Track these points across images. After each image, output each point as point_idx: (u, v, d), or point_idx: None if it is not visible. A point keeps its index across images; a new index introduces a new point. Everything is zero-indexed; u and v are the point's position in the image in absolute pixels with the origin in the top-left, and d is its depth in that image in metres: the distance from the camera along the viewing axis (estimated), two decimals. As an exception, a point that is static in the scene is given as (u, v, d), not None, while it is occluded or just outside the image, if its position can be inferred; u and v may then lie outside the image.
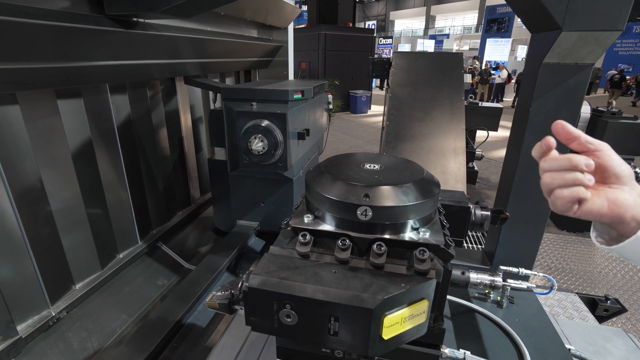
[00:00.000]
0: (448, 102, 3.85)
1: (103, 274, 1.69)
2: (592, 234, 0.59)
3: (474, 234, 2.27)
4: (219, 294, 0.65)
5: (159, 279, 1.94)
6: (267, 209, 2.09)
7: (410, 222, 0.61)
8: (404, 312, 0.54)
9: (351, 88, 11.01)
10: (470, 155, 4.86)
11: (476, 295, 1.11)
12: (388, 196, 0.59)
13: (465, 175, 3.31)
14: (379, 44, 25.54)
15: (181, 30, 1.81)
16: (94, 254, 1.65)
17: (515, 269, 1.13)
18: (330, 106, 2.58)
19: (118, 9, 1.28)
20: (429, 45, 23.93)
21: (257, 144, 1.64)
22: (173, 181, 2.21)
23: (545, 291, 1.03)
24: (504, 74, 14.11)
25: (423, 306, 0.56)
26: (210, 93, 2.54)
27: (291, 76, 3.29)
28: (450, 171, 3.39)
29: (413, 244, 0.58)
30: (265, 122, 1.64)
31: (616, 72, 15.84)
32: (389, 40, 27.77)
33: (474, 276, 0.67)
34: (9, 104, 1.21)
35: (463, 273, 0.68)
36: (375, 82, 17.06)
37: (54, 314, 1.44)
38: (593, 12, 0.97)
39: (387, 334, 0.53)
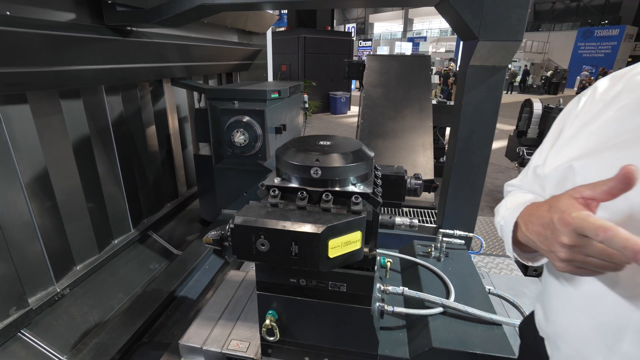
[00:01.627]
0: (417, 101, 4.15)
1: (100, 257, 1.86)
2: (512, 253, 0.66)
3: (432, 213, 2.55)
4: (213, 232, 0.88)
5: (151, 263, 2.13)
6: (250, 198, 2.30)
7: (350, 179, 0.86)
8: (343, 238, 0.78)
9: (331, 89, 11.31)
10: (441, 151, 5.20)
11: (421, 253, 1.37)
12: (332, 160, 0.84)
13: (432, 168, 3.61)
14: (359, 46, 26.04)
15: (169, 37, 2.02)
16: (92, 239, 1.83)
17: (451, 231, 1.40)
18: (306, 105, 2.82)
19: (116, 20, 1.48)
20: (406, 48, 24.60)
21: (239, 137, 1.86)
22: (161, 175, 2.40)
23: (476, 250, 1.30)
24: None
25: (357, 235, 0.80)
26: (195, 93, 2.73)
27: (270, 78, 3.52)
28: (419, 164, 3.69)
29: (351, 194, 0.83)
30: (246, 118, 1.87)
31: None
32: (369, 43, 28.33)
33: (398, 219, 0.93)
34: (20, 103, 1.39)
35: (390, 217, 0.93)
36: (355, 83, 17.44)
37: (58, 290, 1.61)
38: (500, 27, 1.26)
39: (332, 253, 0.78)
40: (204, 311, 1.27)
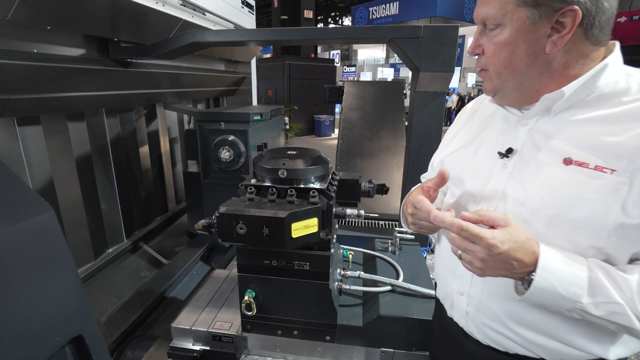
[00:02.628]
0: (392, 123, 4.49)
1: (96, 264, 2.04)
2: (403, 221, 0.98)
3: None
4: (203, 220, 1.11)
5: (142, 271, 2.30)
6: (235, 211, 2.52)
7: (310, 179, 1.11)
8: (302, 222, 1.02)
9: (315, 113, 11.76)
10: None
11: (380, 248, 1.62)
12: (296, 164, 1.10)
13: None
14: (343, 71, 27.08)
15: (162, 67, 2.29)
16: (90, 246, 2.01)
17: (405, 229, 1.65)
18: (287, 126, 3.11)
19: (120, 54, 1.74)
20: (388, 73, 25.69)
21: (225, 154, 2.11)
22: (153, 191, 2.61)
23: (426, 247, 1.55)
24: (454, 99, 15.54)
25: (314, 221, 1.04)
26: (185, 116, 2.99)
27: (255, 102, 3.82)
28: (394, 181, 3.97)
29: (309, 189, 1.08)
30: (231, 137, 2.12)
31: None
32: (353, 69, 29.49)
33: (348, 211, 1.17)
34: (34, 124, 1.62)
35: (342, 209, 1.18)
36: (340, 107, 18.03)
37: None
38: (435, 61, 1.57)
39: (295, 234, 1.01)
40: (192, 301, 1.47)
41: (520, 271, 0.63)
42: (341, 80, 19.48)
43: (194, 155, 2.36)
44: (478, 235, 0.61)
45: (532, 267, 0.62)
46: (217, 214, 1.03)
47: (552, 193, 0.66)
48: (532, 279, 0.62)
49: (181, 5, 2.04)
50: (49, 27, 1.35)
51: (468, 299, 0.81)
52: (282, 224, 0.99)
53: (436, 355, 1.03)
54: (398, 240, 1.59)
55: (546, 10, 0.63)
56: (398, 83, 4.86)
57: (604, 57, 0.68)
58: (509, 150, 0.75)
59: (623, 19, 23.61)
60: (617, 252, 0.64)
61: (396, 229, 1.62)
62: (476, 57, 0.75)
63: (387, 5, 15.63)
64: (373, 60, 39.66)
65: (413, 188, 0.88)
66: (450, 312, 0.90)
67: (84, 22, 1.49)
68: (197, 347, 1.31)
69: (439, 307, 0.97)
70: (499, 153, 0.76)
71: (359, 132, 4.37)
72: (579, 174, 0.64)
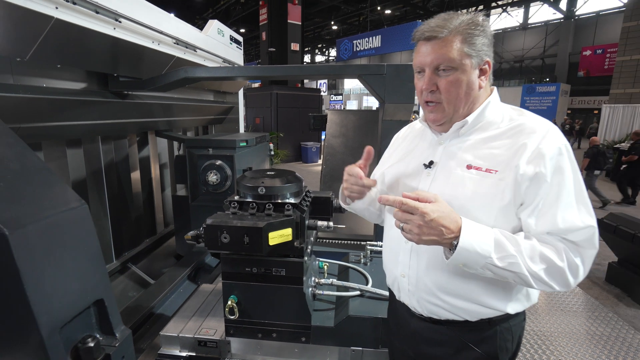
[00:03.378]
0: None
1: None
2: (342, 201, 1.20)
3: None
4: (191, 232, 1.26)
5: (130, 291, 2.39)
6: (221, 232, 2.66)
7: (286, 195, 1.29)
8: (278, 232, 1.19)
9: (302, 140, 12.09)
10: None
11: (353, 260, 1.78)
12: (273, 182, 1.28)
13: (385, 205, 4.10)
14: (330, 100, 27.96)
15: (155, 97, 2.49)
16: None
17: (375, 242, 1.83)
18: (272, 152, 3.31)
19: (118, 87, 1.94)
20: (373, 102, 26.65)
21: (212, 177, 2.28)
22: (142, 214, 2.73)
23: None
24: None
25: (288, 231, 1.21)
26: (175, 143, 3.16)
27: (242, 130, 4.03)
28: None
29: (285, 204, 1.26)
30: (218, 162, 2.30)
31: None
32: (340, 97, 30.48)
33: (319, 223, 1.34)
34: (36, 150, 1.77)
35: (314, 221, 1.35)
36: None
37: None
38: (397, 94, 1.81)
39: (272, 242, 1.18)
40: (180, 312, 1.58)
41: (448, 237, 0.82)
42: (328, 109, 20.08)
43: (182, 179, 2.51)
44: (415, 207, 0.81)
45: (457, 233, 0.82)
46: (204, 226, 1.19)
47: (459, 188, 0.91)
48: (457, 243, 0.82)
49: (175, 44, 2.27)
50: (59, 66, 1.54)
51: (408, 279, 1.01)
52: (260, 233, 1.15)
53: (392, 343, 1.19)
54: (369, 252, 1.76)
55: (478, 60, 0.90)
56: (377, 112, 5.19)
57: (488, 96, 0.97)
58: (431, 162, 1.00)
59: (588, 52, 25.17)
60: (503, 226, 0.88)
61: (367, 243, 1.79)
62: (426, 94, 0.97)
63: (370, 38, 16.49)
64: (359, 90, 41.00)
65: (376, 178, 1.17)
66: (398, 295, 1.08)
67: (89, 60, 1.69)
68: (184, 354, 1.42)
69: (391, 299, 1.14)
70: (424, 164, 1.01)
71: (341, 157, 4.60)
72: (476, 175, 0.91)
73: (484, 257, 0.82)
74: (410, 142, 1.13)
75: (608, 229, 3.48)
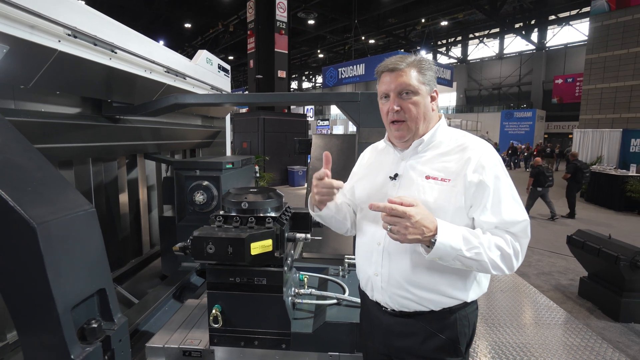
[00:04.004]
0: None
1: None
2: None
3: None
4: (179, 244, 1.35)
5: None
6: (207, 251, 2.73)
7: (267, 209, 1.41)
8: (259, 242, 1.30)
9: (289, 164, 12.28)
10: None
11: (332, 273, 1.88)
12: (255, 198, 1.40)
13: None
14: (317, 125, 28.54)
15: (145, 122, 2.61)
16: None
17: (352, 256, 1.94)
18: (257, 174, 3.44)
19: (111, 112, 2.06)
20: (359, 127, 27.31)
21: (199, 197, 2.38)
22: (129, 234, 2.78)
23: None
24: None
25: (269, 242, 1.33)
26: (163, 165, 3.26)
27: (229, 153, 4.16)
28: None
29: (266, 218, 1.38)
30: (205, 182, 2.41)
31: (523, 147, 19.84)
32: (326, 122, 31.15)
33: (298, 235, 1.46)
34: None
35: (293, 234, 1.47)
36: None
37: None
38: (370, 119, 1.99)
39: (254, 252, 1.29)
40: (166, 325, 1.65)
41: (427, 235, 0.97)
42: (314, 134, 20.49)
43: (170, 200, 2.60)
44: (403, 211, 0.96)
45: (434, 232, 0.98)
46: (191, 238, 1.29)
47: (421, 195, 1.09)
48: (435, 240, 0.97)
49: (165, 72, 2.43)
50: (57, 92, 1.66)
51: (381, 277, 1.14)
52: (243, 243, 1.27)
53: (365, 345, 1.29)
54: (347, 265, 1.87)
55: (429, 89, 1.13)
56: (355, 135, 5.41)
57: (438, 121, 1.17)
58: (396, 175, 1.17)
59: (560, 81, 26.60)
60: (458, 224, 1.04)
61: (346, 256, 1.91)
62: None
63: (355, 66, 17.16)
64: (345, 115, 41.86)
65: (346, 191, 1.34)
66: (371, 295, 1.19)
67: (86, 87, 1.82)
68: (167, 367, 1.48)
69: (363, 302, 1.25)
70: (390, 177, 1.18)
71: (325, 179, 4.75)
72: (433, 184, 1.09)
73: (456, 250, 0.98)
74: (375, 159, 1.30)
75: (577, 244, 3.68)
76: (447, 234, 0.98)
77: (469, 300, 1.12)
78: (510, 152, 18.18)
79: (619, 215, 8.16)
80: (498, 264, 1.01)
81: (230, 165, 2.63)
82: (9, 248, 0.56)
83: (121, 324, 0.73)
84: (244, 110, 14.36)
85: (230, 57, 27.45)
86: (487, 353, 2.59)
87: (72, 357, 0.58)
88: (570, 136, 22.28)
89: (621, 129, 10.45)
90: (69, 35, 1.61)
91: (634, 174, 8.84)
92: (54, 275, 0.56)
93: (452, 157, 1.10)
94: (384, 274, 1.13)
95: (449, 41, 32.22)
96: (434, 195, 1.08)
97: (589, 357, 2.53)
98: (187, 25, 22.28)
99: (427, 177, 1.10)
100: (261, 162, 10.07)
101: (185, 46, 23.88)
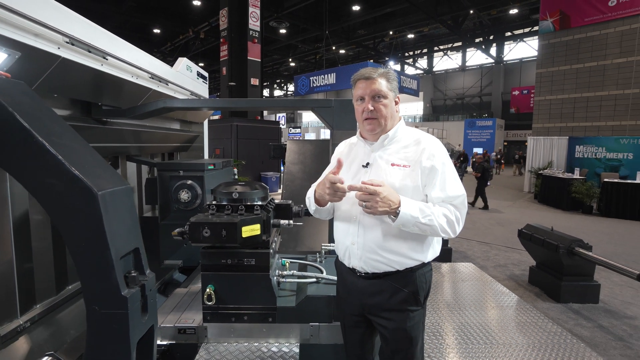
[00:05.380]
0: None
1: (57, 299, 2.22)
2: (314, 206, 1.52)
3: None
4: (178, 229, 1.53)
5: (99, 307, 2.48)
6: (189, 249, 2.86)
7: (254, 198, 1.62)
8: (249, 227, 1.50)
9: (262, 170, 12.39)
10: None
11: (311, 259, 2.10)
12: (244, 189, 1.61)
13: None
14: (289, 133, 28.77)
15: (128, 124, 2.73)
16: (53, 282, 2.21)
17: (329, 244, 2.17)
18: (236, 176, 3.61)
19: (100, 115, 2.18)
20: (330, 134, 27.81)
21: (184, 195, 2.53)
22: (111, 233, 2.85)
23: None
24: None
25: (257, 226, 1.53)
26: (144, 167, 3.36)
27: (206, 157, 4.28)
28: (325, 223, 4.53)
29: (254, 206, 1.58)
30: (189, 181, 2.57)
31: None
32: (298, 130, 31.46)
33: (282, 221, 1.67)
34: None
35: (278, 220, 1.68)
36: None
37: (21, 323, 1.95)
38: (343, 123, 2.25)
39: (244, 234, 1.49)
40: (159, 310, 1.79)
41: (393, 207, 1.25)
42: (287, 140, 20.69)
43: (151, 201, 2.72)
44: (374, 190, 1.23)
45: (398, 205, 1.25)
46: (188, 223, 1.47)
47: (388, 178, 1.35)
48: (399, 211, 1.25)
49: (150, 78, 2.58)
50: (55, 95, 1.78)
51: (357, 245, 1.39)
52: (235, 227, 1.46)
53: (343, 312, 1.51)
54: (323, 252, 2.10)
55: (395, 94, 1.42)
56: (328, 141, 5.68)
57: (399, 121, 1.44)
58: (367, 164, 1.43)
59: (517, 92, 28.45)
60: (416, 199, 1.33)
61: (322, 244, 2.14)
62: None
63: (326, 75, 17.59)
64: (317, 123, 42.46)
65: (316, 183, 1.51)
66: (349, 263, 1.43)
67: (80, 90, 1.95)
68: (165, 342, 1.63)
69: (340, 273, 1.49)
70: (362, 165, 1.44)
71: (300, 182, 4.97)
72: (397, 169, 1.36)
73: (414, 217, 1.26)
74: (349, 152, 1.56)
75: (526, 237, 4.12)
76: (408, 206, 1.26)
77: (426, 261, 1.40)
78: (461, 159, 19.09)
79: (566, 214, 8.96)
80: (445, 228, 1.30)
81: (212, 167, 2.80)
82: (75, 210, 0.73)
83: (151, 277, 0.90)
84: (216, 117, 14.34)
85: (201, 64, 27.17)
86: (453, 333, 2.90)
87: (122, 294, 0.76)
88: (526, 144, 23.94)
89: (567, 137, 11.49)
90: (67, 42, 1.75)
91: (578, 177, 9.75)
92: (109, 231, 0.74)
93: (410, 149, 1.39)
94: (360, 243, 1.38)
95: (416, 53, 33.69)
96: (398, 178, 1.35)
97: (536, 332, 2.90)
98: (156, 30, 21.92)
99: (393, 165, 1.38)
100: (239, 166, 10.15)
101: (154, 51, 23.40)
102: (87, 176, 0.74)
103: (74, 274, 2.43)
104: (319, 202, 1.47)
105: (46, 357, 0.90)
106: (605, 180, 8.91)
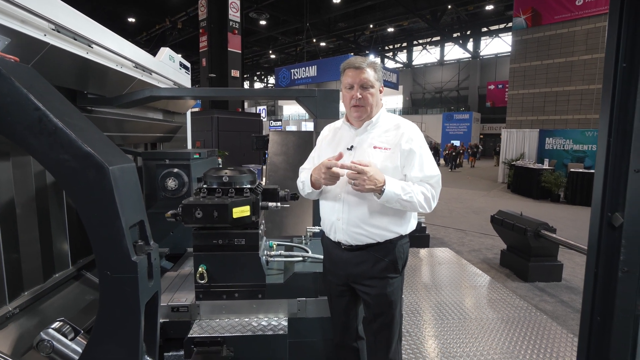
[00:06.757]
0: (311, 164, 5.28)
1: (44, 286, 2.24)
2: (310, 189, 1.64)
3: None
4: (171, 211, 1.60)
5: (86, 295, 2.51)
6: (175, 237, 2.91)
7: (243, 182, 1.71)
8: (239, 208, 1.59)
9: (244, 162, 12.33)
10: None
11: (296, 241, 2.21)
12: (234, 173, 1.69)
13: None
14: (270, 126, 28.60)
15: (111, 114, 2.73)
16: (40, 270, 2.23)
17: (314, 227, 2.29)
18: (220, 165, 3.66)
19: (85, 103, 2.20)
20: (311, 127, 27.86)
21: (171, 183, 2.57)
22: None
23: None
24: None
25: (247, 208, 1.62)
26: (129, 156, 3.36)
27: (190, 147, 4.29)
28: (308, 205, 4.66)
29: (244, 189, 1.67)
30: (176, 170, 2.61)
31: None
32: (279, 123, 31.31)
33: (270, 204, 1.77)
34: (4, 157, 1.94)
35: (266, 203, 1.77)
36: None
37: (10, 309, 1.98)
38: (326, 112, 2.35)
39: (235, 215, 1.58)
40: (150, 291, 1.86)
41: (379, 185, 1.37)
42: (267, 134, 20.57)
43: (138, 189, 2.75)
44: (362, 169, 1.36)
45: (383, 184, 1.38)
46: (181, 205, 1.55)
47: (371, 159, 1.48)
48: (384, 189, 1.37)
49: (134, 67, 2.59)
50: (42, 82, 1.80)
51: (342, 221, 1.51)
52: (226, 208, 1.55)
53: (329, 283, 1.64)
54: (308, 234, 2.22)
55: (380, 84, 1.54)
56: (310, 132, 5.78)
57: (381, 108, 1.56)
58: (352, 146, 1.55)
59: (492, 86, 29.28)
60: (396, 178, 1.45)
61: (307, 227, 2.25)
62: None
63: (307, 68, 17.58)
64: (298, 116, 42.33)
65: (305, 167, 1.65)
66: (334, 237, 1.55)
67: (64, 78, 1.96)
68: (159, 320, 1.71)
69: (326, 245, 1.61)
70: (347, 148, 1.55)
71: (283, 173, 5.06)
72: (379, 152, 1.49)
73: (397, 195, 1.39)
74: (334, 136, 1.67)
75: (497, 222, 4.39)
76: (391, 184, 1.40)
77: (404, 234, 1.55)
78: (432, 152, 19.47)
79: (536, 202, 9.46)
80: (423, 204, 1.45)
81: (198, 156, 2.85)
82: (89, 184, 0.80)
83: (155, 247, 0.98)
84: (196, 109, 14.11)
85: (179, 55, 26.47)
86: (430, 311, 3.09)
87: (132, 259, 0.84)
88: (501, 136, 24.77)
89: (538, 129, 12.05)
90: (53, 29, 1.76)
91: (547, 167, 10.28)
92: (119, 202, 0.82)
93: (391, 133, 1.53)
94: (344, 218, 1.51)
95: (395, 46, 34.05)
96: (380, 159, 1.48)
97: (505, 307, 3.14)
98: (131, 19, 21.18)
99: (375, 147, 1.51)
100: (223, 156, 10.10)
101: (129, 41, 22.61)
102: (98, 153, 0.81)
103: (60, 262, 2.44)
104: (314, 185, 1.58)
105: (57, 322, 0.97)
106: (572, 170, 9.44)
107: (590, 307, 0.94)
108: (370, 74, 1.48)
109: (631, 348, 0.84)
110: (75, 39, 1.91)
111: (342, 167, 1.40)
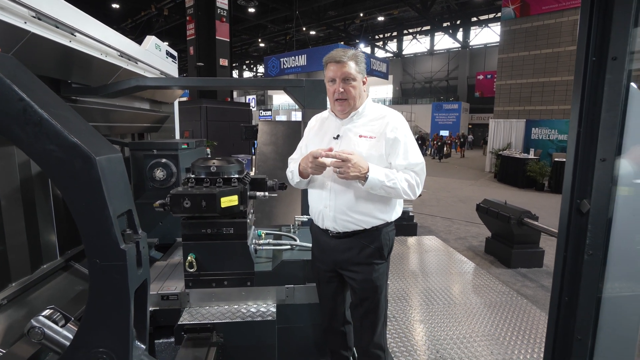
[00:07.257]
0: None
1: (33, 277, 2.24)
2: (298, 178, 1.69)
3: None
4: (160, 201, 1.61)
5: (76, 285, 2.52)
6: (165, 227, 2.92)
7: (231, 172, 1.72)
8: (227, 197, 1.61)
9: (233, 152, 12.25)
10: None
11: (285, 230, 2.25)
12: (222, 163, 1.71)
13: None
14: (260, 115, 28.36)
15: (97, 103, 2.70)
16: (27, 261, 2.22)
17: (302, 216, 2.33)
18: (209, 155, 3.65)
19: (70, 93, 2.17)
20: (301, 116, 27.73)
21: (159, 173, 2.57)
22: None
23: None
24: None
25: (235, 197, 1.65)
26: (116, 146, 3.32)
27: (178, 138, 4.26)
28: (296, 195, 4.69)
29: (232, 179, 1.69)
30: (164, 160, 2.61)
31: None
32: (269, 112, 31.07)
33: (258, 193, 1.80)
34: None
35: (254, 192, 1.80)
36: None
37: (-1, 300, 1.97)
38: (314, 102, 2.37)
39: (223, 204, 1.60)
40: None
41: (363, 172, 1.42)
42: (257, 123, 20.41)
43: (126, 179, 2.73)
44: (346, 157, 1.41)
45: (367, 171, 1.42)
46: (169, 195, 1.56)
47: (357, 148, 1.52)
48: (368, 175, 1.42)
49: (119, 56, 2.55)
50: (25, 71, 1.76)
51: (329, 208, 1.56)
52: (214, 198, 1.57)
53: (318, 270, 1.68)
54: (297, 223, 2.25)
55: (362, 76, 1.57)
56: (299, 122, 5.78)
57: (366, 98, 1.59)
58: (338, 136, 1.59)
59: (481, 77, 29.46)
60: (381, 166, 1.50)
61: (295, 217, 2.29)
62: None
63: (297, 57, 17.40)
64: (288, 105, 42.00)
65: (294, 156, 1.70)
66: (322, 224, 1.60)
67: (46, 67, 1.93)
68: (149, 309, 1.73)
69: (314, 232, 1.65)
70: (334, 137, 1.59)
71: (272, 163, 5.06)
72: (364, 140, 1.53)
73: (381, 181, 1.44)
74: (321, 126, 1.71)
75: (482, 210, 4.50)
76: (375, 171, 1.44)
77: (390, 221, 1.60)
78: (419, 142, 19.77)
79: (521, 191, 9.68)
80: (407, 191, 1.49)
81: (186, 146, 2.84)
82: (76, 174, 0.81)
83: (144, 236, 1.01)
84: (184, 98, 13.89)
85: (166, 43, 25.87)
86: (417, 296, 3.19)
87: (121, 247, 0.87)
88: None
89: (525, 120, 12.25)
90: (33, 17, 1.73)
91: (532, 157, 10.50)
92: (107, 192, 0.83)
93: (376, 122, 1.57)
94: (331, 206, 1.56)
95: (386, 36, 33.86)
96: (365, 148, 1.52)
97: (488, 293, 3.25)
98: (115, 5, 20.55)
99: (360, 136, 1.55)
100: (212, 147, 10.03)
101: (113, 29, 21.97)
102: (85, 143, 0.82)
103: (48, 253, 2.43)
104: (302, 174, 1.61)
105: (48, 310, 0.99)
106: (556, 159, 9.66)
107: (559, 287, 1.00)
108: (352, 67, 1.50)
109: (593, 326, 0.91)
110: (57, 27, 1.88)
111: (327, 155, 1.44)
